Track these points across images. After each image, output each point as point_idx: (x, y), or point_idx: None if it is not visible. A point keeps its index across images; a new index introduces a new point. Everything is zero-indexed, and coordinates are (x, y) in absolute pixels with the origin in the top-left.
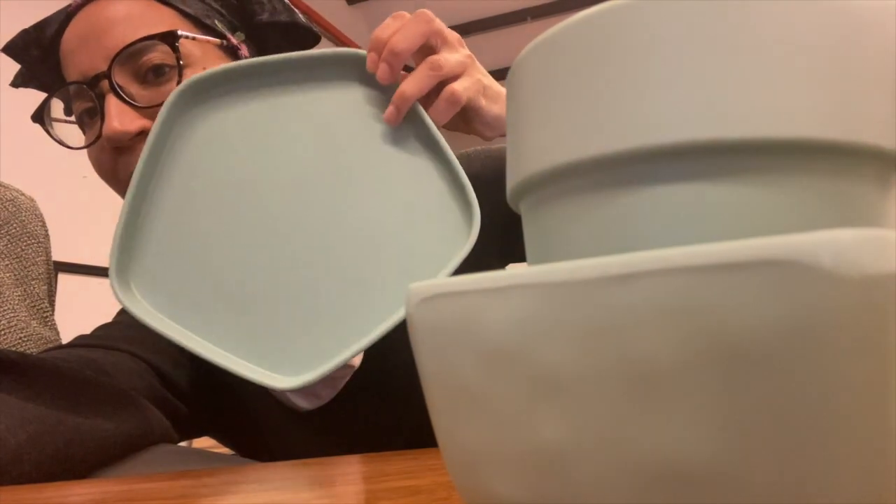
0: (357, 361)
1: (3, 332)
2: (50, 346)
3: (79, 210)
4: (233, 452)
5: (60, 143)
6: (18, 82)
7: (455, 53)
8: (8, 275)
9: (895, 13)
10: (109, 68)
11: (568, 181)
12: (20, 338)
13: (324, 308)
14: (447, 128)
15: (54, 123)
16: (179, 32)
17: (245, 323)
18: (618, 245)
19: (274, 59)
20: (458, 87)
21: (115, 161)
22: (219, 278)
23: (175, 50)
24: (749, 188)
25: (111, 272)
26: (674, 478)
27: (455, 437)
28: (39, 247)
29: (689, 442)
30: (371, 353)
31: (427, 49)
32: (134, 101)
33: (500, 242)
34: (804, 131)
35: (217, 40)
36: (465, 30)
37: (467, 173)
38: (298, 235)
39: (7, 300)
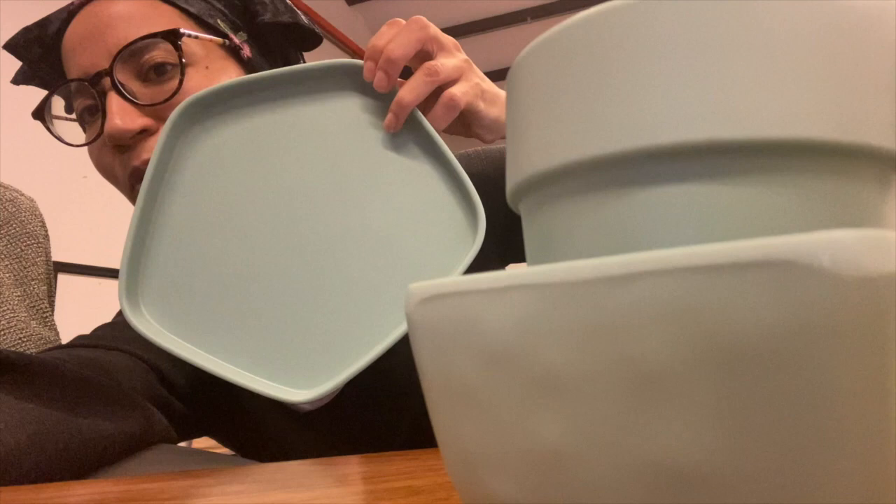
0: None
1: (2, 333)
2: (49, 346)
3: (78, 210)
4: (233, 453)
5: (61, 140)
6: (19, 80)
7: (451, 58)
8: (7, 275)
9: (895, 13)
10: (111, 66)
11: (568, 181)
12: (20, 338)
13: (333, 319)
14: (447, 132)
15: (55, 121)
16: (182, 31)
17: (256, 337)
18: (617, 245)
19: (271, 73)
20: (455, 91)
21: (115, 159)
22: (227, 294)
23: (177, 48)
24: (749, 189)
25: (120, 294)
26: (673, 478)
27: (454, 438)
28: (39, 247)
29: (688, 442)
30: None
31: (423, 55)
32: (135, 98)
33: (500, 243)
34: (804, 132)
35: (219, 39)
36: (465, 30)
37: (467, 174)
38: (305, 248)
39: (6, 300)
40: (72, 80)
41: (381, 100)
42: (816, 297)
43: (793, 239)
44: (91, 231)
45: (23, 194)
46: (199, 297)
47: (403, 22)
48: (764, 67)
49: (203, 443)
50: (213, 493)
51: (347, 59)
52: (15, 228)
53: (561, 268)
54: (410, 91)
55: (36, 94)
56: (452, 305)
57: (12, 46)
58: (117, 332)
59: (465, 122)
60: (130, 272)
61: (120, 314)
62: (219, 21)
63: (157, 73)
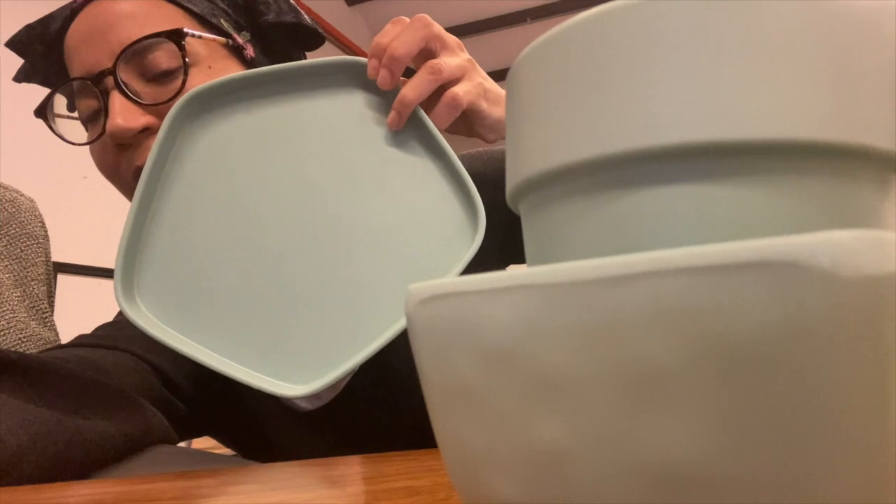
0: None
1: (2, 333)
2: (49, 346)
3: (78, 211)
4: (233, 453)
5: (63, 138)
6: (21, 77)
7: (455, 57)
8: (7, 275)
9: (895, 14)
10: (114, 65)
11: (567, 182)
12: (19, 338)
13: (331, 314)
14: (449, 131)
15: (57, 119)
16: (186, 30)
17: (252, 332)
18: (617, 246)
19: (275, 68)
20: (458, 90)
21: (117, 158)
22: (224, 288)
23: (181, 48)
24: (748, 189)
25: (116, 285)
26: (673, 478)
27: (454, 438)
28: (39, 247)
29: (688, 443)
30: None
31: (427, 53)
32: (138, 98)
33: (500, 243)
34: (803, 133)
35: (222, 39)
36: (465, 31)
37: (469, 173)
38: (304, 243)
39: (6, 301)
40: (74, 79)
41: (384, 97)
42: (816, 298)
43: (792, 240)
44: (91, 231)
45: (23, 195)
46: (195, 290)
47: (408, 20)
48: (763, 68)
49: (203, 443)
50: (213, 493)
51: (351, 57)
52: (15, 229)
53: (561, 268)
54: (413, 89)
55: (36, 95)
56: (452, 306)
57: (15, 43)
58: (118, 331)
59: (468, 122)
60: (126, 262)
61: (121, 314)
62: (222, 21)
63: (160, 72)
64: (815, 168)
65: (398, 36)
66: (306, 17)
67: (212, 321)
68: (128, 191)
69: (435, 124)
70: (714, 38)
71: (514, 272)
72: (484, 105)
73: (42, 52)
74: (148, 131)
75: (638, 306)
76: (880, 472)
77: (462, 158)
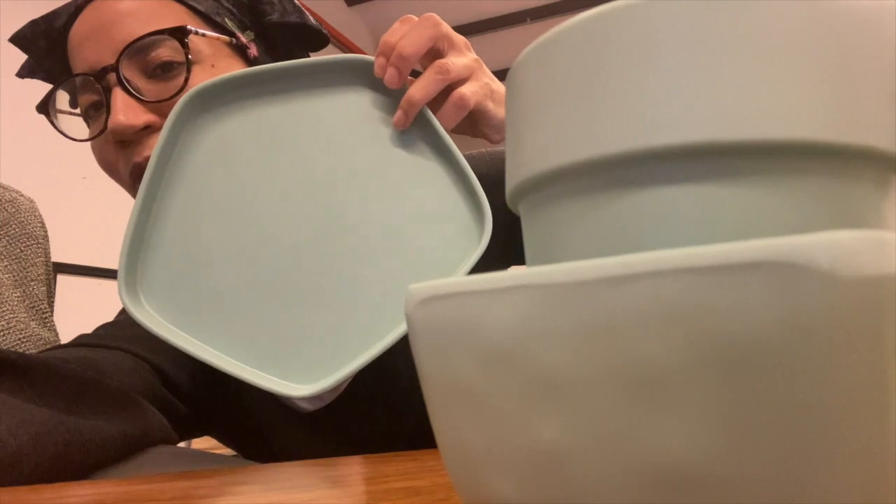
0: None
1: (2, 334)
2: (49, 346)
3: (78, 211)
4: (234, 453)
5: (64, 135)
6: (25, 73)
7: (462, 57)
8: (7, 276)
9: (895, 14)
10: (117, 61)
11: (567, 183)
12: (19, 339)
13: (335, 314)
14: (454, 131)
15: (59, 115)
16: (189, 28)
17: (257, 331)
18: (617, 246)
19: (281, 65)
20: (465, 91)
21: (118, 154)
22: (229, 287)
23: (184, 46)
24: (748, 190)
25: (119, 283)
26: (673, 479)
27: (454, 438)
28: (39, 248)
29: (688, 443)
30: None
31: (434, 53)
32: (141, 95)
33: (502, 244)
34: (802, 133)
35: (226, 38)
36: (465, 31)
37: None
38: (308, 242)
39: (6, 301)
40: (77, 75)
41: (391, 96)
42: (816, 298)
43: (792, 240)
44: (91, 232)
45: (22, 195)
46: (199, 288)
47: (416, 19)
48: (763, 68)
49: (203, 443)
50: (213, 493)
51: (358, 55)
52: (14, 229)
53: (561, 269)
54: (420, 89)
55: (36, 94)
56: (452, 306)
57: (19, 39)
58: (119, 331)
59: (473, 122)
60: (130, 261)
61: (122, 313)
62: (226, 19)
63: (163, 69)
64: (815, 168)
65: (406, 35)
66: (310, 17)
67: (216, 320)
68: (128, 187)
69: (441, 124)
70: (714, 39)
71: (514, 272)
72: (490, 105)
73: (46, 48)
74: (150, 129)
75: (638, 306)
76: (880, 472)
77: (465, 159)
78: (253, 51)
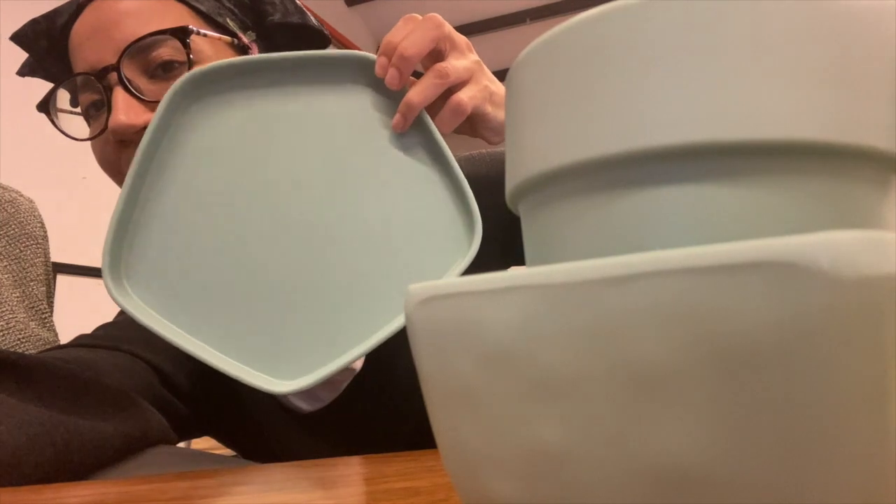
0: (358, 365)
1: (1, 334)
2: (48, 347)
3: (78, 211)
4: (233, 453)
5: (65, 134)
6: (25, 72)
7: (463, 59)
8: (6, 276)
9: (895, 14)
10: (118, 61)
11: (566, 183)
12: (18, 339)
13: (323, 312)
14: (454, 132)
15: (59, 114)
16: (191, 28)
17: (241, 325)
18: (617, 246)
19: (280, 56)
20: (463, 96)
21: (119, 154)
22: (216, 278)
23: (186, 46)
24: (747, 190)
25: (104, 266)
26: (673, 479)
27: (454, 439)
28: (38, 248)
29: (687, 443)
30: (372, 356)
31: (436, 54)
32: (142, 94)
33: (502, 244)
34: (802, 133)
35: (228, 38)
36: (465, 31)
37: (472, 175)
38: (299, 238)
39: (5, 301)
40: (78, 74)
41: (390, 96)
42: (815, 299)
43: (792, 240)
44: (90, 232)
45: (22, 195)
46: (186, 279)
47: (419, 18)
48: (763, 68)
49: (203, 443)
50: (212, 494)
51: (360, 52)
52: (14, 229)
53: (560, 269)
54: (419, 93)
55: (36, 94)
56: (452, 306)
57: (20, 38)
58: (118, 331)
59: (472, 124)
60: (115, 247)
61: (121, 314)
62: (228, 20)
63: (164, 69)
64: (815, 168)
65: (409, 35)
66: (312, 18)
67: (200, 312)
68: None
69: (438, 128)
70: (714, 39)
71: (514, 273)
72: (489, 109)
73: (47, 47)
74: None
75: (637, 307)
76: (880, 472)
77: (464, 160)
78: (254, 51)
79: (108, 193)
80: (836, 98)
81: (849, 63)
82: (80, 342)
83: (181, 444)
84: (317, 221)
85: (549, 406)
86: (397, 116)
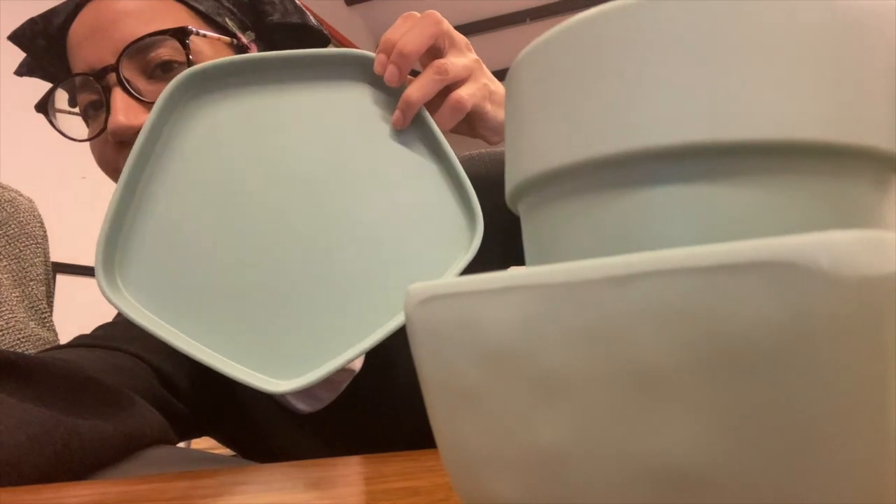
0: (357, 365)
1: (0, 333)
2: (48, 347)
3: (78, 211)
4: (233, 453)
5: (63, 134)
6: (23, 71)
7: (462, 57)
8: (6, 276)
9: (895, 14)
10: (117, 62)
11: (566, 183)
12: (18, 339)
13: (321, 310)
14: (452, 131)
15: (58, 114)
16: (190, 29)
17: (239, 323)
18: (617, 246)
19: (278, 55)
20: (463, 93)
21: (117, 154)
22: (212, 277)
23: (185, 46)
24: (747, 190)
25: (97, 264)
26: (673, 479)
27: (454, 439)
28: (38, 248)
29: (688, 443)
30: (371, 356)
31: (435, 51)
32: (140, 95)
33: (502, 244)
34: (802, 133)
35: (227, 39)
36: (464, 31)
37: (471, 175)
38: (297, 236)
39: (5, 301)
40: (77, 75)
41: (389, 94)
42: (815, 298)
43: (791, 240)
44: (90, 232)
45: (21, 195)
46: (182, 278)
47: (418, 15)
48: (762, 68)
49: (202, 443)
50: (212, 494)
51: (359, 50)
52: (13, 229)
53: (560, 268)
54: (418, 89)
55: (36, 93)
56: (452, 306)
57: (17, 37)
58: (118, 331)
59: (471, 123)
60: (109, 245)
61: (121, 314)
62: (227, 20)
63: (163, 70)
64: (815, 168)
65: (407, 32)
66: (311, 18)
67: (196, 310)
68: None
69: (438, 126)
70: (713, 39)
71: (514, 272)
72: (488, 107)
73: (45, 46)
74: None
75: (637, 306)
76: (880, 472)
77: (464, 160)
78: (253, 51)
79: (108, 193)
80: (836, 98)
81: (848, 63)
82: (80, 342)
83: (181, 444)
84: (315, 219)
85: (549, 406)
86: (397, 113)
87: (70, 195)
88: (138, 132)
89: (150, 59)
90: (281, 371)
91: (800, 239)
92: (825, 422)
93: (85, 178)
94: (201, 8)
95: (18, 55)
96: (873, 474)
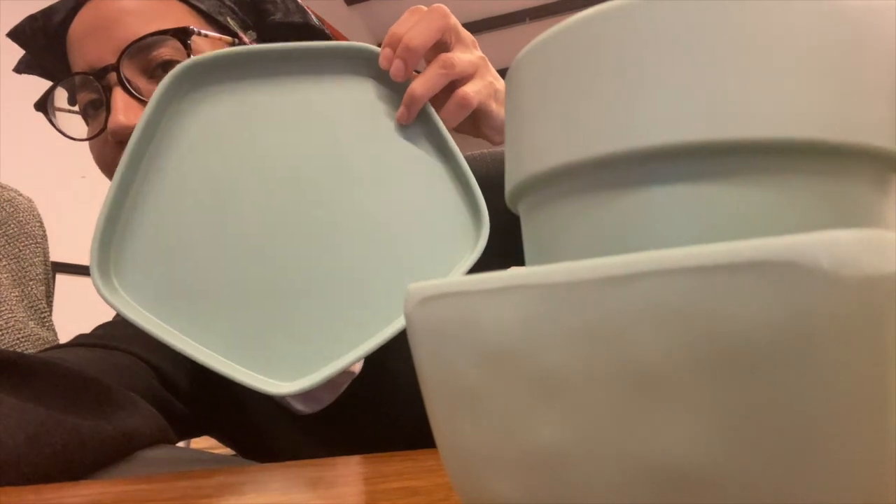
0: (357, 368)
1: (0, 333)
2: (48, 346)
3: (77, 210)
4: (233, 453)
5: (63, 133)
6: (22, 68)
7: (468, 54)
8: (6, 275)
9: (894, 14)
10: (118, 61)
11: (566, 182)
12: (17, 338)
13: (322, 311)
14: (456, 130)
15: (57, 113)
16: (192, 29)
17: (236, 323)
18: (616, 246)
19: (278, 47)
20: (469, 90)
21: (117, 154)
22: (210, 276)
23: (186, 46)
24: (747, 189)
25: (92, 261)
26: (673, 479)
27: (454, 439)
28: (37, 247)
29: (688, 443)
30: (371, 358)
31: (441, 46)
32: (141, 95)
33: (503, 244)
34: (802, 132)
35: (229, 38)
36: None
37: (475, 175)
38: (298, 235)
39: (5, 301)
40: (77, 74)
41: (394, 89)
42: (815, 298)
43: (791, 239)
44: (90, 231)
45: (21, 194)
46: (179, 276)
47: (424, 9)
48: (761, 68)
49: (202, 443)
50: (212, 494)
51: (364, 44)
52: (13, 228)
53: (560, 268)
54: (423, 83)
55: (34, 93)
56: (452, 306)
57: (17, 34)
58: (117, 331)
59: (476, 122)
60: (104, 241)
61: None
62: (229, 19)
63: (164, 70)
64: (814, 168)
65: (414, 26)
66: (313, 17)
67: (193, 309)
68: None
69: (443, 123)
70: (713, 38)
71: (514, 272)
72: (493, 106)
73: (44, 44)
74: None
75: (637, 306)
76: (880, 472)
77: (467, 160)
78: None
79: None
80: (835, 97)
81: (848, 62)
82: (80, 342)
83: (181, 444)
84: (316, 217)
85: (549, 405)
86: (401, 109)
87: (69, 195)
88: None
89: (151, 58)
90: (282, 373)
91: (800, 238)
92: (825, 422)
93: (85, 177)
94: (203, 7)
95: (17, 55)
96: (873, 474)
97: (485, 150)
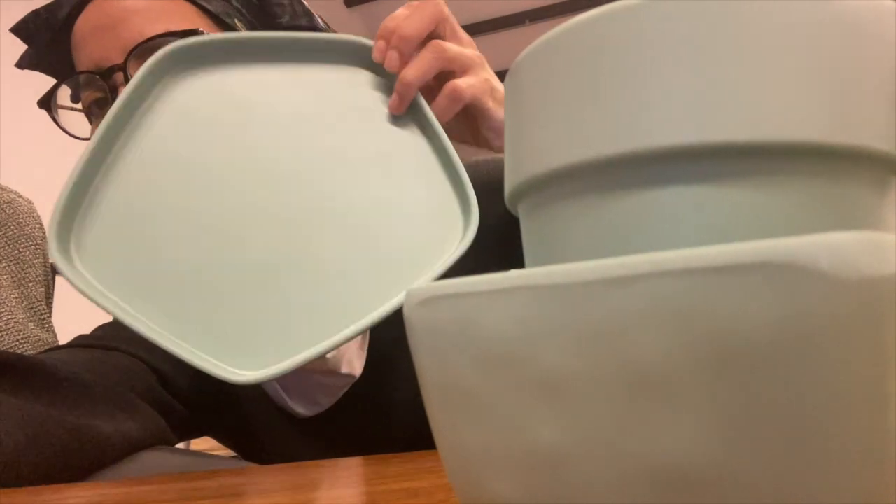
0: (358, 371)
1: (0, 334)
2: (47, 348)
3: None
4: (233, 454)
5: (66, 131)
6: (25, 64)
7: (464, 49)
8: (5, 277)
9: (894, 15)
10: (125, 61)
11: (566, 184)
12: (17, 340)
13: (296, 299)
14: (455, 139)
15: (60, 111)
16: (201, 31)
17: (203, 308)
18: (616, 247)
19: (269, 36)
20: (461, 83)
21: None
22: (175, 258)
23: None
24: (747, 191)
25: (50, 226)
26: (673, 480)
27: (453, 440)
28: (37, 249)
29: (687, 444)
30: (371, 361)
31: (434, 37)
32: None
33: (502, 249)
34: (801, 134)
35: None
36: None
37: (474, 181)
38: (276, 221)
39: (4, 302)
40: (82, 73)
41: (386, 80)
42: (815, 300)
43: (791, 241)
44: None
45: (20, 196)
46: (142, 255)
47: (419, 2)
48: (763, 70)
49: (202, 443)
50: (211, 495)
51: (357, 38)
52: (13, 230)
53: (560, 270)
54: (415, 69)
55: (35, 94)
56: (451, 307)
57: (21, 30)
58: (117, 332)
59: (473, 124)
60: (66, 215)
61: None
62: (236, 21)
63: None
64: (814, 169)
65: (408, 17)
66: (319, 20)
67: (154, 290)
68: None
69: (436, 117)
70: (713, 40)
71: (513, 274)
72: (490, 104)
73: (49, 40)
74: None
75: (637, 308)
76: (880, 472)
77: (468, 166)
78: None
79: None
80: (835, 99)
81: (848, 63)
82: (79, 343)
83: (181, 445)
84: (298, 202)
85: (549, 406)
86: (394, 96)
87: None
88: None
89: None
90: (247, 361)
91: (800, 240)
92: (825, 422)
93: None
94: (210, 8)
95: (16, 56)
96: (873, 474)
97: (486, 157)
